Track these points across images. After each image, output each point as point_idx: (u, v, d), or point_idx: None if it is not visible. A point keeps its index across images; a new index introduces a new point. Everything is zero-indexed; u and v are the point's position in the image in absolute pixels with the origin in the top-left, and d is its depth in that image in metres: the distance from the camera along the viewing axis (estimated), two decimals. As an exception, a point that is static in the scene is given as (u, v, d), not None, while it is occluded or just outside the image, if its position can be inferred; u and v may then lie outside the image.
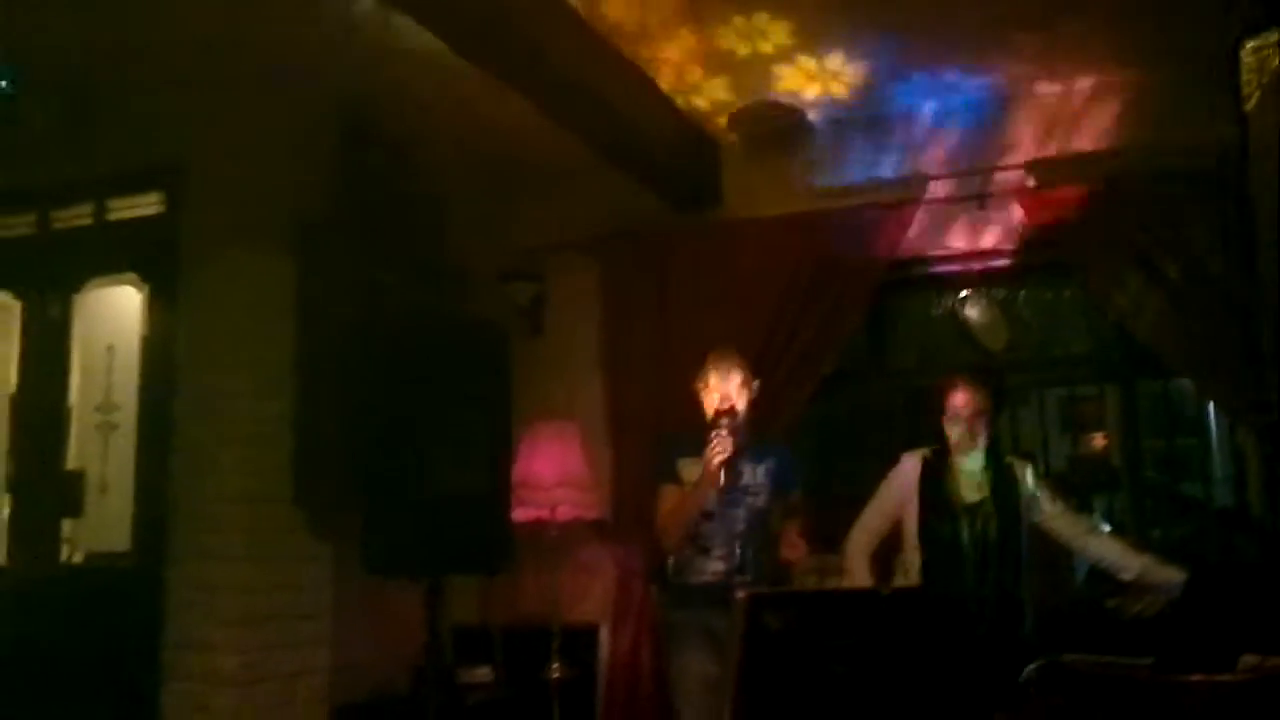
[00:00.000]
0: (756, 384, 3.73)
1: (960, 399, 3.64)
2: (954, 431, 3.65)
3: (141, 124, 4.10)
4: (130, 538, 4.00)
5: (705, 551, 3.60)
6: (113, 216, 4.27)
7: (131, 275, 4.21)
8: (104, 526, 4.07)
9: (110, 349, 4.20)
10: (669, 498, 3.64)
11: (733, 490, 3.58)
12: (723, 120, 4.60)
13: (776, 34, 3.95)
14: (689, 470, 3.60)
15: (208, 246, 3.99)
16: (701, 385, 3.68)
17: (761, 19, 3.86)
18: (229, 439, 3.85)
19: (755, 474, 3.65)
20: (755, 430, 3.72)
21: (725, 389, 3.62)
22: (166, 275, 4.08)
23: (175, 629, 3.80)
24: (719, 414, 3.54)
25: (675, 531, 3.63)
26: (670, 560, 3.71)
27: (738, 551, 3.59)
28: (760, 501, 3.63)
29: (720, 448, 3.44)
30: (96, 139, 4.17)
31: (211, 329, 3.95)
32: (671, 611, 3.70)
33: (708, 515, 3.59)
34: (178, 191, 4.10)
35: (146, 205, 4.21)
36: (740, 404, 3.61)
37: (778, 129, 4.62)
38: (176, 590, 3.83)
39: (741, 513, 3.61)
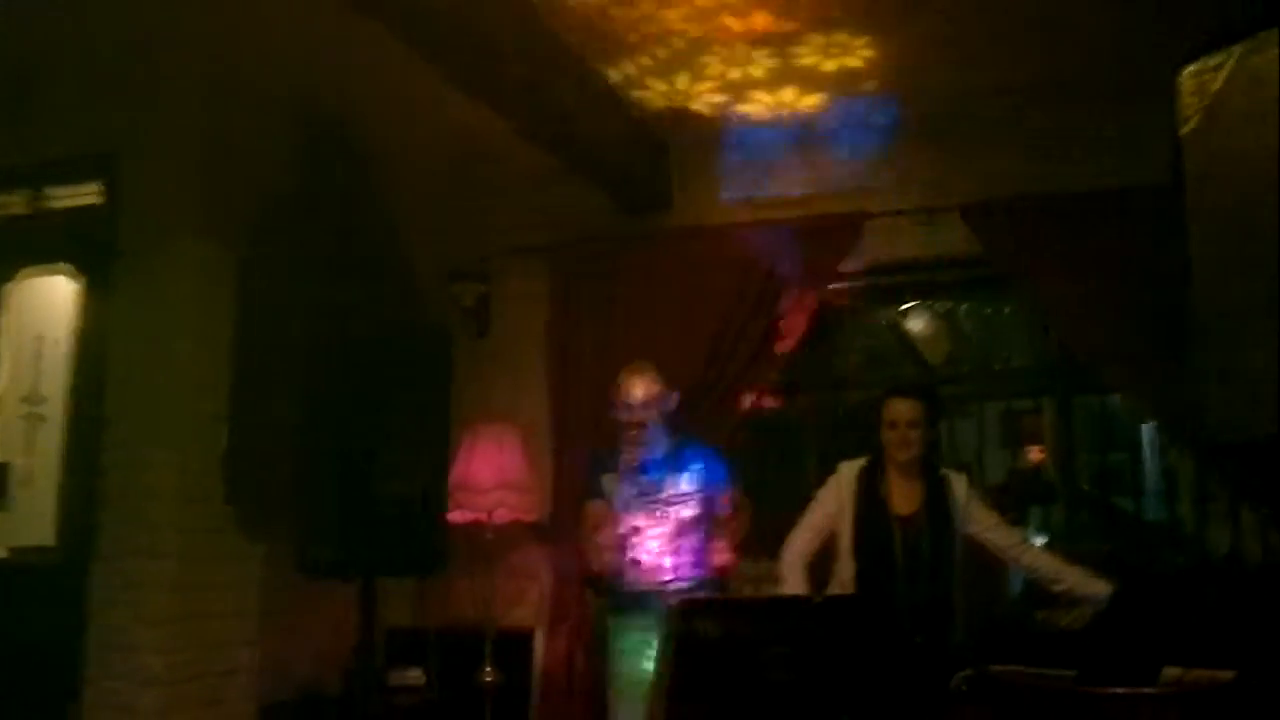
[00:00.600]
0: (675, 395, 3.76)
1: (896, 409, 3.68)
2: (889, 442, 3.68)
3: (82, 112, 4.01)
4: (55, 532, 3.90)
5: (636, 564, 3.62)
6: (49, 205, 4.17)
7: (66, 266, 4.10)
8: (28, 520, 3.96)
9: (39, 339, 4.09)
10: (593, 515, 3.69)
11: (658, 503, 3.62)
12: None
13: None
14: (611, 485, 3.65)
15: (146, 240, 3.90)
16: (616, 397, 3.70)
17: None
18: (161, 436, 3.77)
19: (679, 483, 3.67)
20: (678, 438, 3.76)
21: (638, 398, 3.64)
22: (102, 267, 3.98)
23: (100, 627, 3.71)
24: (629, 425, 3.60)
25: (599, 555, 3.68)
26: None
27: (668, 562, 3.62)
28: (688, 509, 3.66)
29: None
30: (35, 125, 4.07)
31: (147, 324, 3.86)
32: (609, 617, 3.72)
33: (635, 529, 3.61)
34: (117, 182, 4.01)
35: (85, 195, 4.10)
36: (650, 416, 3.63)
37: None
38: (102, 588, 3.74)
39: (670, 526, 3.64)
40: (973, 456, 5.17)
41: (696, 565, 3.65)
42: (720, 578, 3.74)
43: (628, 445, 3.65)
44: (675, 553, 3.62)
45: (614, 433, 3.78)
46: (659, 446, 3.69)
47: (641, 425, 3.61)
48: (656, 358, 3.81)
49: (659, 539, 3.62)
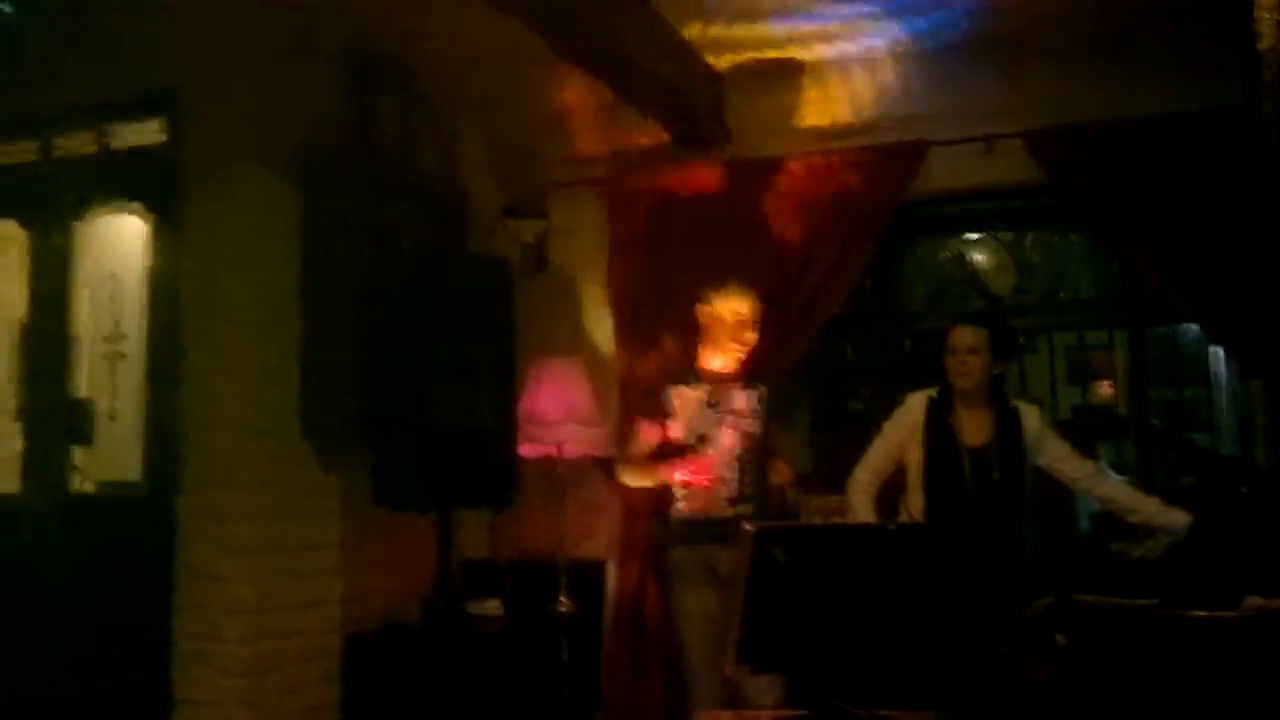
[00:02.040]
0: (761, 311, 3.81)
1: (958, 336, 3.64)
2: (950, 369, 3.65)
3: (142, 50, 4.03)
4: (140, 467, 4.00)
5: (702, 482, 3.66)
6: (115, 144, 4.20)
7: (135, 205, 4.16)
8: (114, 456, 4.07)
9: (114, 277, 4.17)
10: (646, 436, 3.75)
11: (722, 413, 3.69)
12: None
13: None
14: (680, 398, 3.72)
15: (210, 176, 3.93)
16: (707, 313, 3.75)
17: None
18: (235, 371, 3.84)
19: (747, 399, 3.75)
20: (758, 362, 3.81)
21: (743, 313, 3.71)
22: (169, 205, 4.02)
23: (186, 558, 3.82)
24: (725, 341, 3.69)
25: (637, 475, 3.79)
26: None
27: (734, 477, 3.68)
28: (751, 426, 3.74)
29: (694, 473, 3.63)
30: (97, 64, 4.09)
31: (216, 260, 3.90)
32: (673, 548, 3.75)
33: (701, 439, 3.66)
34: (179, 119, 4.02)
35: (148, 133, 4.13)
36: (744, 332, 3.72)
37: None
38: (187, 520, 3.83)
39: (735, 436, 3.70)
40: (1044, 391, 5.12)
41: (757, 484, 3.72)
42: (780, 495, 3.82)
43: (716, 357, 3.76)
44: (741, 469, 3.69)
45: (678, 364, 3.82)
46: (736, 362, 3.79)
47: (742, 340, 3.72)
48: (718, 289, 3.80)
49: (723, 453, 3.67)
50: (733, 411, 3.73)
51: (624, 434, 4.20)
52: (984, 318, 3.83)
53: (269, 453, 3.86)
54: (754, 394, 3.78)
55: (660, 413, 3.75)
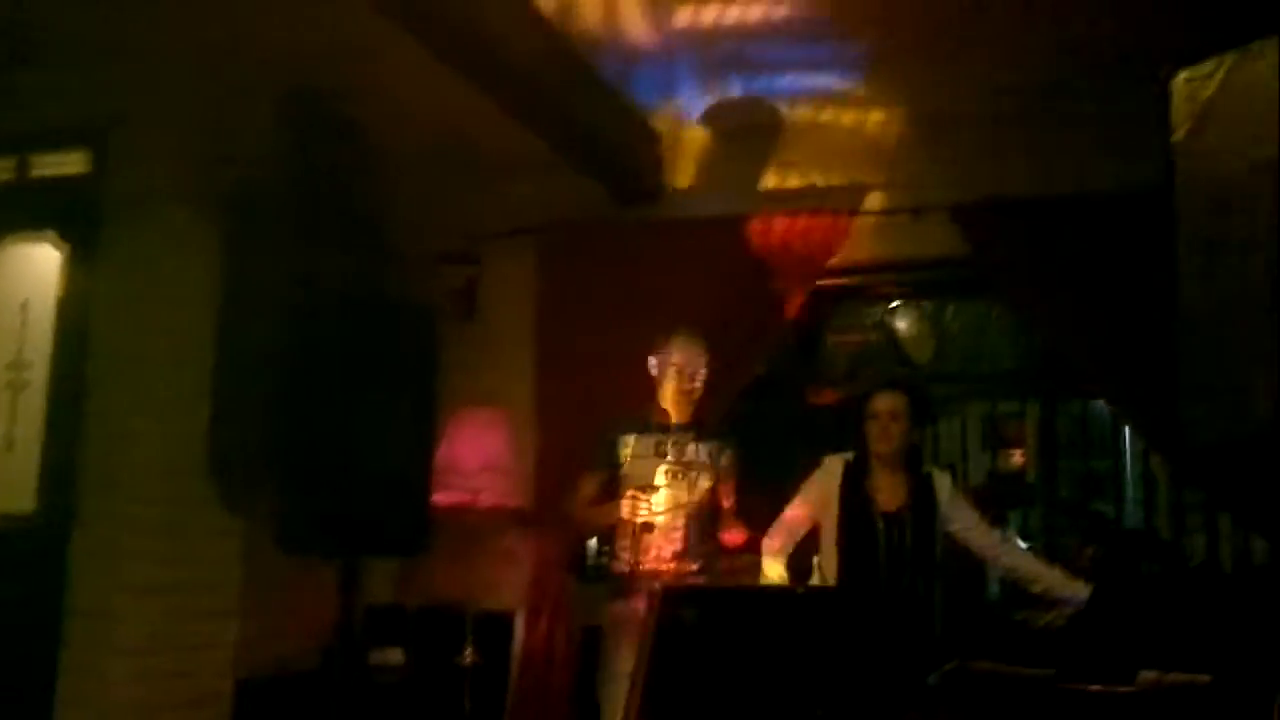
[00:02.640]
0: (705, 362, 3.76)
1: (879, 402, 3.69)
2: (871, 434, 3.69)
3: (69, 80, 3.98)
4: (35, 498, 3.88)
5: (651, 529, 3.60)
6: (35, 173, 4.14)
7: (51, 234, 4.07)
8: (9, 486, 3.94)
9: (24, 306, 4.07)
10: (589, 486, 3.69)
11: (679, 465, 3.62)
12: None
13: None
14: (629, 447, 3.66)
15: (132, 209, 3.88)
16: (659, 361, 3.72)
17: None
18: (144, 406, 3.77)
19: (699, 452, 3.68)
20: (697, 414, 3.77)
21: (699, 363, 3.68)
22: (87, 236, 3.97)
23: (78, 595, 3.71)
24: (681, 388, 3.65)
25: (589, 528, 3.74)
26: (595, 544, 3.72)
27: (680, 533, 3.60)
28: (704, 481, 3.66)
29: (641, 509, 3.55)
30: (22, 94, 4.03)
31: (131, 293, 3.85)
32: (611, 602, 3.66)
33: (649, 488, 3.59)
34: (104, 152, 3.99)
35: (71, 164, 4.08)
36: (699, 382, 3.68)
37: (752, 124, 4.61)
38: (82, 555, 3.73)
39: (685, 490, 3.63)
40: (956, 457, 5.20)
41: (705, 541, 3.64)
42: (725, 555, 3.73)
43: (664, 397, 3.70)
44: (691, 522, 3.61)
45: (607, 415, 3.82)
46: (688, 408, 3.72)
47: (693, 389, 3.67)
48: (644, 347, 3.79)
49: (671, 506, 3.60)
50: (683, 464, 3.65)
51: (557, 485, 4.20)
52: (903, 383, 3.87)
53: (172, 490, 3.78)
54: (708, 448, 3.70)
55: (605, 462, 3.69)
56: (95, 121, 3.97)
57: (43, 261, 4.08)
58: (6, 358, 4.05)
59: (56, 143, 4.09)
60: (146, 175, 3.88)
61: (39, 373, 3.99)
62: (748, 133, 4.67)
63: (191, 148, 3.90)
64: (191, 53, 3.87)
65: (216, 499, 3.90)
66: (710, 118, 4.59)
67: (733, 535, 3.64)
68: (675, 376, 3.68)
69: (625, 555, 3.63)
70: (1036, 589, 3.65)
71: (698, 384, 3.70)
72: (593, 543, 4.59)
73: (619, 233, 4.72)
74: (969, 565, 4.07)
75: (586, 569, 4.58)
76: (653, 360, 3.75)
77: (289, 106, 4.22)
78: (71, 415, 3.83)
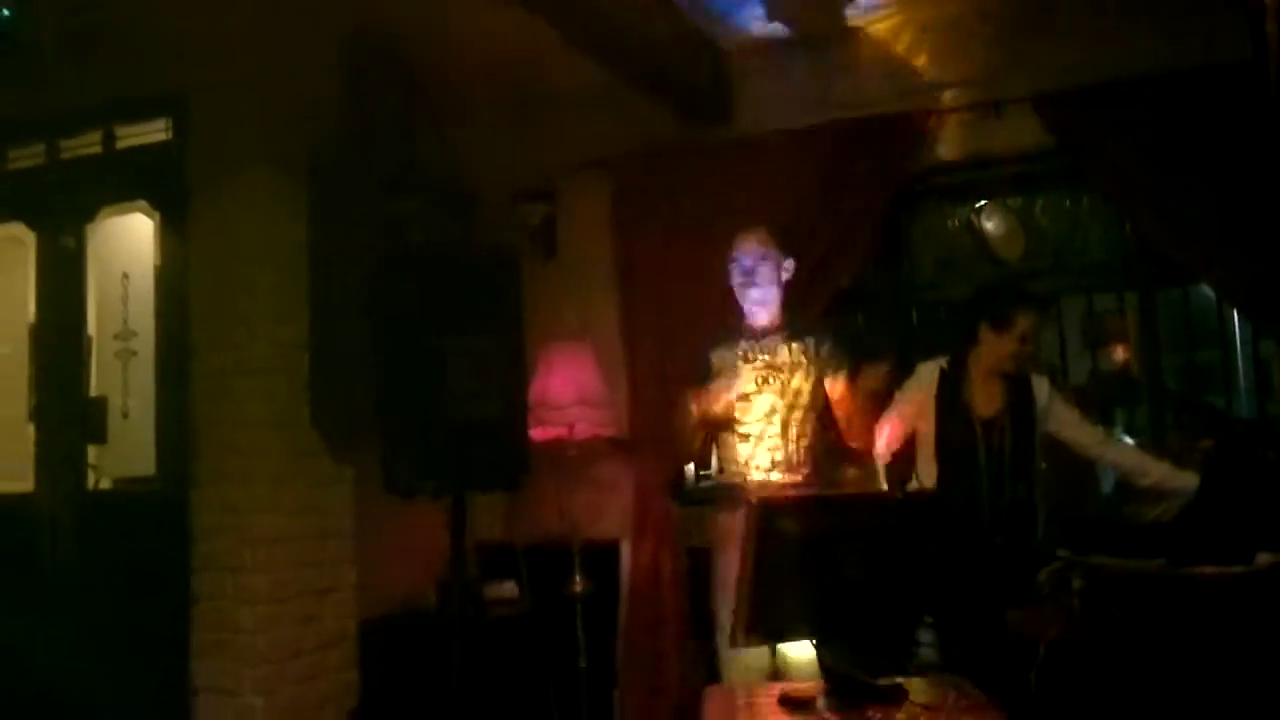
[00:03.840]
0: (790, 262, 3.70)
1: (1026, 323, 3.61)
2: (1014, 354, 3.61)
3: (147, 49, 4.06)
4: (154, 463, 4.05)
5: (746, 438, 3.58)
6: (121, 144, 4.25)
7: (142, 203, 4.20)
8: (128, 452, 4.11)
9: (126, 277, 4.21)
10: (688, 403, 3.65)
11: (770, 369, 3.57)
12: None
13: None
14: (724, 359, 3.62)
15: (216, 173, 3.97)
16: (731, 258, 3.67)
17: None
18: (245, 365, 3.88)
19: (792, 352, 3.60)
20: (789, 311, 3.72)
21: (752, 248, 3.63)
22: (176, 203, 4.07)
23: (203, 551, 3.87)
24: (743, 282, 3.58)
25: (691, 445, 3.67)
26: (692, 469, 3.71)
27: (776, 440, 3.54)
28: (798, 382, 3.58)
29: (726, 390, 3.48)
30: (102, 66, 4.13)
31: (223, 256, 3.95)
32: (715, 515, 3.66)
33: (744, 397, 3.55)
34: (184, 118, 4.07)
35: (154, 132, 4.18)
36: (763, 272, 3.61)
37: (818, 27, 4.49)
38: (202, 513, 3.89)
39: (776, 395, 3.56)
40: (1055, 357, 5.07)
41: (810, 448, 3.56)
42: (840, 454, 3.66)
43: (744, 300, 3.64)
44: (785, 426, 3.54)
45: (692, 342, 3.79)
46: (770, 311, 3.65)
47: (752, 279, 3.60)
48: (724, 270, 3.76)
49: (766, 413, 3.54)
50: (774, 367, 3.59)
51: (651, 412, 4.21)
52: (1032, 299, 3.74)
53: (281, 444, 3.90)
54: (801, 345, 3.60)
55: (701, 378, 3.64)
56: (174, 89, 4.05)
57: (137, 231, 4.22)
58: (113, 329, 4.21)
59: (139, 113, 4.19)
60: (227, 138, 3.96)
61: (145, 341, 4.14)
62: (815, 39, 4.56)
63: (267, 107, 3.96)
64: (258, 13, 3.93)
65: (324, 449, 4.03)
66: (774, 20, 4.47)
67: (850, 432, 3.56)
68: (743, 274, 3.62)
69: (727, 467, 3.63)
70: (1144, 483, 3.59)
71: (766, 280, 3.61)
72: (690, 466, 4.63)
73: (692, 156, 4.67)
74: (1077, 465, 4.00)
75: (686, 492, 4.61)
76: (730, 269, 3.70)
77: (353, 58, 4.27)
78: (179, 380, 3.98)
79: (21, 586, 4.11)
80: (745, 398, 3.56)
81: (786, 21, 4.45)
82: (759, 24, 4.44)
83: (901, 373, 3.93)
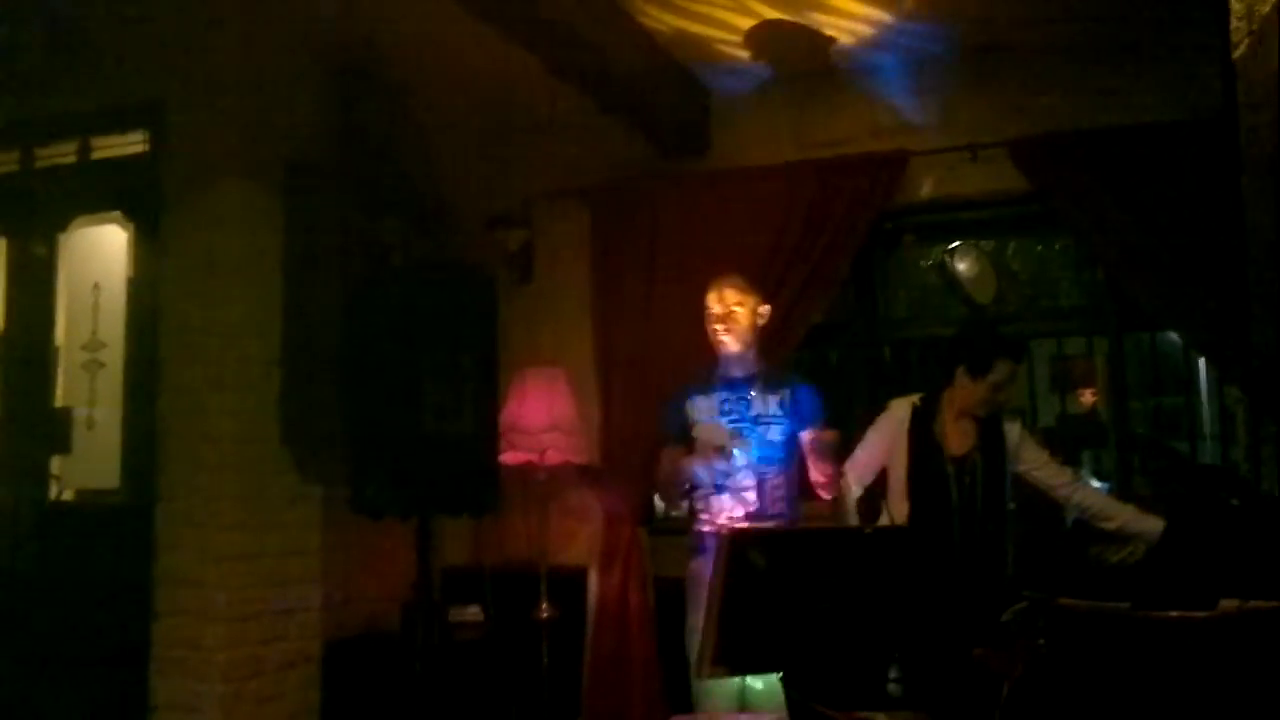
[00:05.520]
0: (766, 308, 3.71)
1: (999, 374, 3.62)
2: (985, 400, 3.63)
3: (125, 60, 4.05)
4: (119, 475, 4.00)
5: (721, 491, 3.57)
6: (96, 155, 4.22)
7: (116, 214, 4.17)
8: (93, 464, 4.07)
9: (97, 287, 4.17)
10: (667, 459, 3.66)
11: (745, 422, 3.56)
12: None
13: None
14: (699, 408, 3.61)
15: (191, 186, 3.94)
16: (711, 304, 3.66)
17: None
18: (216, 380, 3.84)
19: (768, 404, 3.60)
20: (764, 361, 3.72)
21: (730, 297, 3.62)
22: (150, 215, 4.04)
23: (166, 565, 3.82)
24: (719, 327, 3.58)
25: (670, 494, 3.69)
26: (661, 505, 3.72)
27: (755, 487, 3.54)
28: (774, 434, 3.58)
29: (717, 434, 3.47)
30: (80, 75, 4.11)
31: (197, 270, 3.91)
32: (690, 559, 3.64)
33: (718, 449, 3.52)
34: (161, 130, 4.05)
35: (130, 144, 4.16)
36: (740, 319, 3.60)
37: (799, 64, 4.52)
38: (166, 527, 3.83)
39: (754, 446, 3.55)
40: (1024, 400, 5.12)
41: (783, 500, 3.57)
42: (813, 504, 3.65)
43: (718, 348, 3.63)
44: (762, 477, 3.54)
45: (665, 370, 3.79)
46: (746, 358, 3.64)
47: (729, 324, 3.59)
48: (699, 301, 3.76)
49: (742, 465, 3.54)
50: (751, 419, 3.58)
51: (622, 440, 4.18)
52: (1014, 347, 3.75)
53: (249, 460, 3.86)
54: (778, 396, 3.60)
55: (677, 427, 3.64)
56: (151, 101, 4.03)
57: (110, 242, 4.19)
58: (82, 339, 4.16)
59: (115, 124, 4.16)
60: (204, 151, 3.94)
61: (114, 353, 4.10)
62: (795, 77, 4.61)
63: (246, 121, 3.94)
64: (239, 26, 3.92)
65: (292, 467, 3.99)
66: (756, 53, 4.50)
67: (822, 483, 3.56)
68: (719, 321, 3.62)
69: (702, 514, 3.62)
70: (1110, 526, 3.62)
71: (741, 325, 3.61)
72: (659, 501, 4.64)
73: (669, 187, 4.71)
74: (1042, 506, 4.04)
75: (655, 521, 4.61)
76: (707, 315, 3.68)
77: (337, 76, 4.28)
78: (148, 392, 3.93)
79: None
80: (719, 449, 3.53)
81: (772, 61, 4.49)
82: (740, 60, 4.48)
83: (874, 409, 3.95)
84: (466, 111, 4.81)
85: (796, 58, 4.45)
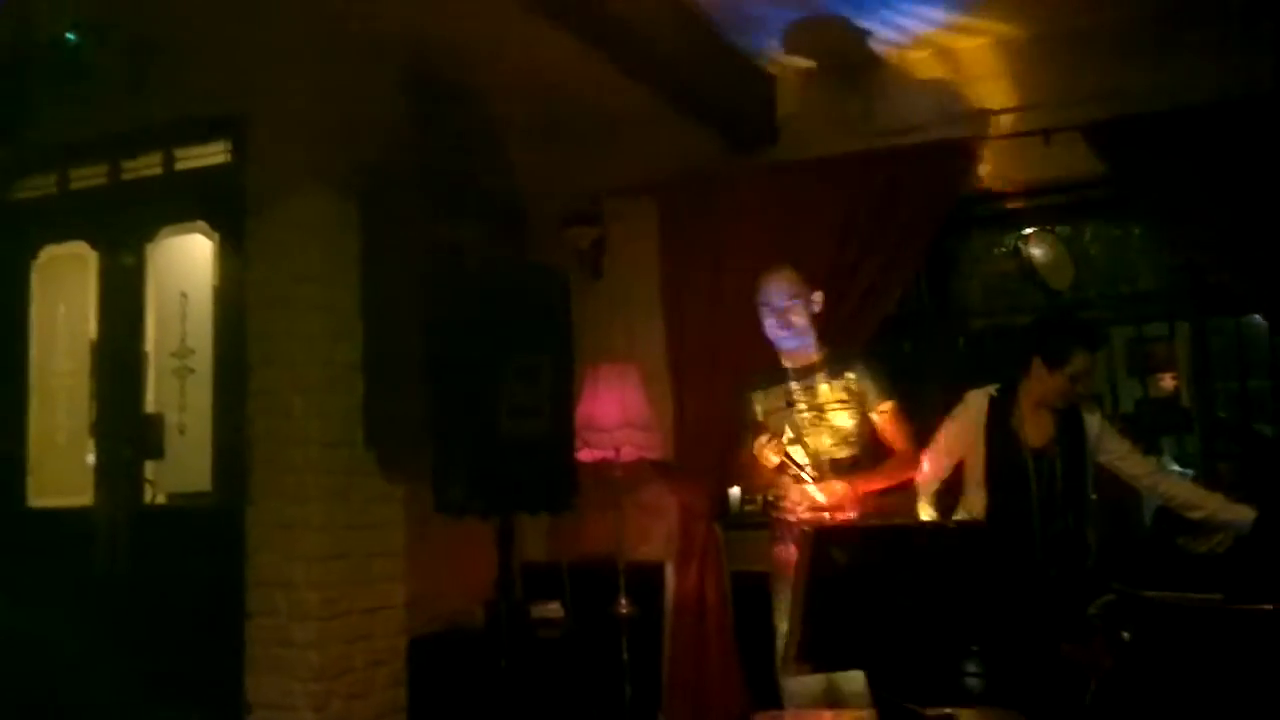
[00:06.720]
0: (819, 295, 3.70)
1: (1082, 363, 3.58)
2: (1064, 391, 3.59)
3: (206, 72, 4.15)
4: (210, 478, 4.12)
5: (798, 479, 3.60)
6: (181, 166, 4.34)
7: (201, 224, 4.29)
8: (184, 468, 4.20)
9: (184, 296, 4.30)
10: (746, 452, 3.68)
11: (811, 410, 3.59)
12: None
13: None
14: (762, 401, 3.66)
15: (273, 194, 4.05)
16: (760, 299, 3.69)
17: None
18: (301, 384, 3.94)
19: (833, 390, 3.63)
20: (826, 345, 3.73)
21: (781, 290, 3.63)
22: (234, 223, 4.15)
23: (256, 566, 3.93)
24: (774, 322, 3.59)
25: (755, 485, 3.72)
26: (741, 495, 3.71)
27: (830, 475, 3.57)
28: (844, 419, 3.61)
29: (771, 448, 3.48)
30: (162, 88, 4.21)
31: (280, 276, 4.01)
32: (773, 547, 3.69)
33: (792, 440, 3.56)
34: (242, 140, 4.15)
35: (212, 154, 4.27)
36: (794, 312, 3.61)
37: (864, 55, 4.51)
38: (256, 529, 3.95)
39: (825, 434, 3.58)
40: (1104, 386, 5.03)
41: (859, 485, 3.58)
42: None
43: (776, 342, 3.65)
44: (835, 464, 3.57)
45: (737, 363, 3.79)
46: (807, 348, 3.66)
47: (786, 320, 3.60)
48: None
49: (811, 456, 3.57)
50: (816, 408, 3.63)
51: (696, 435, 4.20)
52: (1090, 338, 3.68)
53: (334, 462, 3.96)
54: (844, 382, 3.62)
55: (748, 421, 3.69)
56: (232, 112, 4.13)
57: (196, 251, 4.31)
58: (171, 347, 4.30)
59: (198, 135, 4.28)
60: (284, 160, 4.03)
61: (202, 359, 4.22)
62: (864, 66, 4.58)
63: (324, 129, 4.03)
64: (316, 37, 4.00)
65: (376, 468, 4.08)
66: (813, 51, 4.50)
67: (897, 470, 3.60)
68: (774, 315, 3.63)
69: (783, 502, 3.65)
70: (1198, 515, 3.54)
71: (797, 322, 3.62)
72: (735, 490, 4.65)
73: (738, 180, 4.70)
74: (1125, 496, 3.97)
75: (731, 515, 4.63)
76: (761, 311, 3.69)
77: (412, 82, 4.34)
78: (236, 398, 4.04)
79: (78, 599, 4.19)
80: (794, 440, 3.56)
81: (807, 54, 4.46)
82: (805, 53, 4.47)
83: (949, 399, 3.91)
84: (537, 112, 4.84)
85: (835, 49, 4.44)
